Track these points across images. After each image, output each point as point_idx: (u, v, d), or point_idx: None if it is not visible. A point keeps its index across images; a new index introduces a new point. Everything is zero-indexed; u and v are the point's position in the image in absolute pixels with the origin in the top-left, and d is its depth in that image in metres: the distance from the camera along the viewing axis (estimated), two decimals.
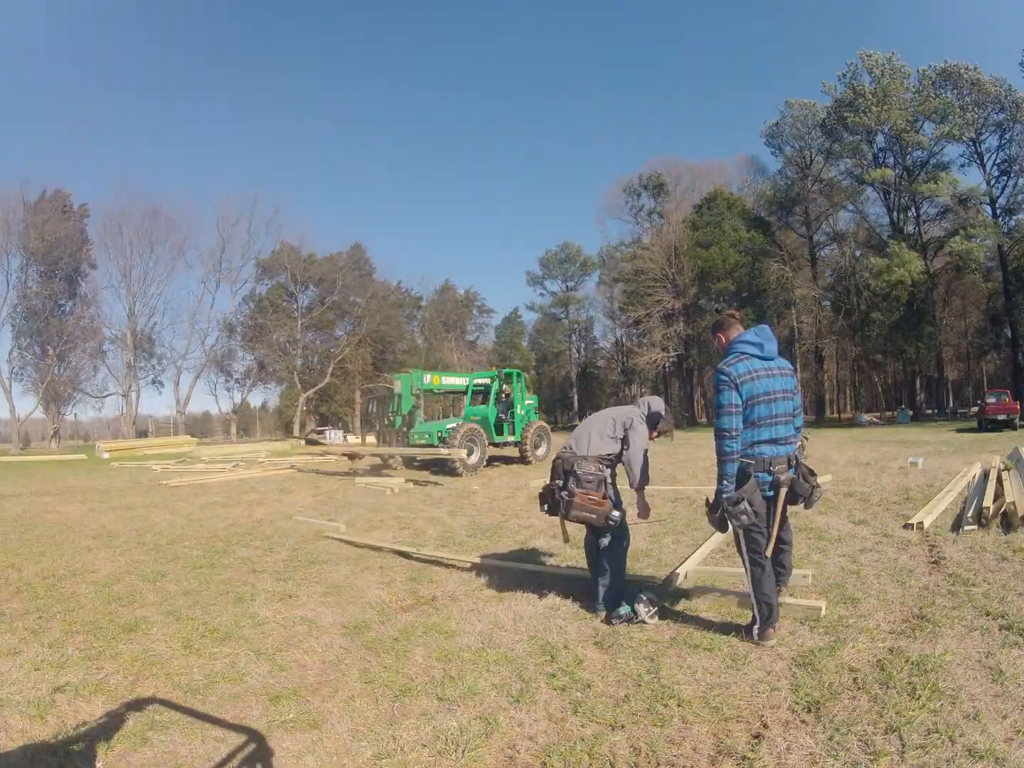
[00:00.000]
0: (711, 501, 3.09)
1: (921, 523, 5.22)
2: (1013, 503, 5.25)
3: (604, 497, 3.41)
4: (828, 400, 44.98)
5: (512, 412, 14.15)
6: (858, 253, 38.33)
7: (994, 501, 5.63)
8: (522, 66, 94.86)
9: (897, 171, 34.79)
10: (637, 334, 46.21)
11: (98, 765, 2.14)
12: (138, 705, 2.56)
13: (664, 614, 3.38)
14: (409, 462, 13.40)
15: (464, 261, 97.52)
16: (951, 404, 37.25)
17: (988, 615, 3.15)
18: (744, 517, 2.84)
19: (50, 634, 3.40)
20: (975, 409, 30.60)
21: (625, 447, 3.51)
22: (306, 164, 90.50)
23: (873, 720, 2.20)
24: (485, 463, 12.90)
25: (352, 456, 14.16)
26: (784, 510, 3.05)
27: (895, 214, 36.70)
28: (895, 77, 33.09)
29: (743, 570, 3.08)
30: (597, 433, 3.56)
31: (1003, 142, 33.26)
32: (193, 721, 2.43)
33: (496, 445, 13.90)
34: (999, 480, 6.79)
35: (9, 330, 36.33)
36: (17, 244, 35.80)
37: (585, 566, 3.92)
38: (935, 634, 2.92)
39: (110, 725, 2.40)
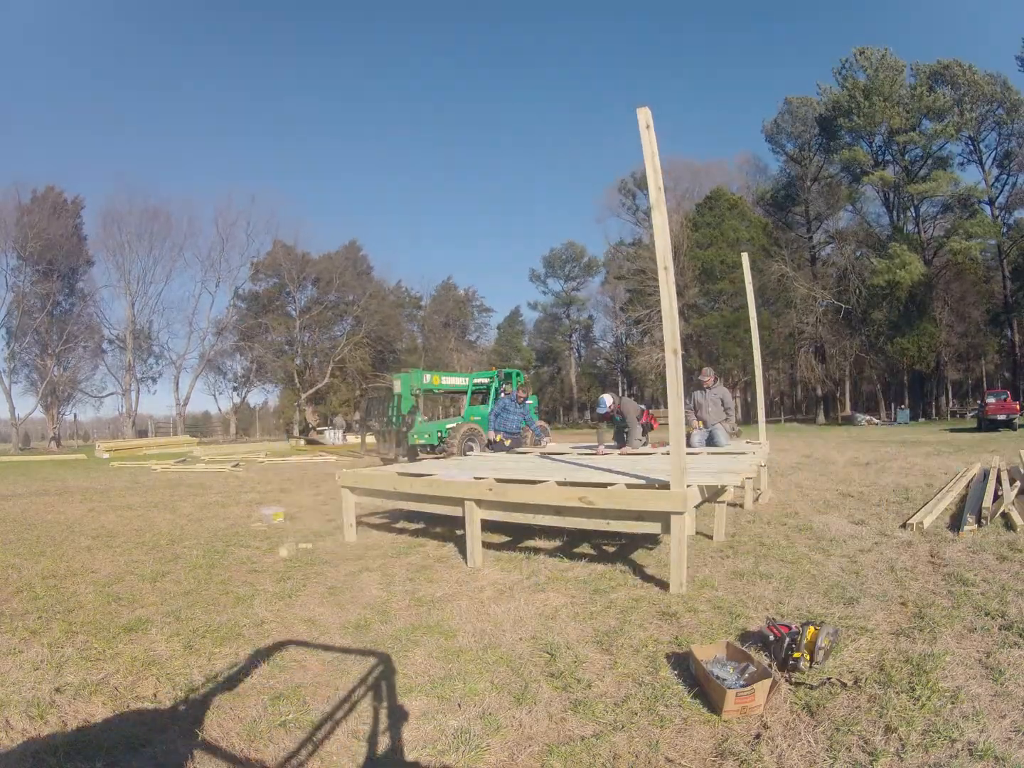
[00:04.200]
0: None
1: (921, 523, 5.23)
2: (1013, 504, 5.25)
3: None
4: (828, 400, 44.98)
5: None
6: (858, 253, 38.35)
7: (994, 501, 5.64)
8: (523, 63, 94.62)
9: (895, 170, 34.79)
10: (639, 333, 46.34)
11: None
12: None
13: (664, 614, 3.39)
14: (413, 454, 13.50)
15: (464, 260, 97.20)
16: (950, 404, 37.29)
17: (988, 615, 3.15)
18: None
19: (50, 634, 3.39)
20: (974, 408, 30.64)
21: None
22: (304, 162, 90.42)
23: (873, 720, 2.20)
24: None
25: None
26: None
27: (894, 213, 36.73)
28: (890, 74, 33.06)
29: None
30: None
31: (1001, 139, 33.31)
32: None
33: None
34: (999, 480, 6.81)
35: (7, 330, 36.31)
36: (12, 244, 35.60)
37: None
38: (935, 634, 2.92)
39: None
